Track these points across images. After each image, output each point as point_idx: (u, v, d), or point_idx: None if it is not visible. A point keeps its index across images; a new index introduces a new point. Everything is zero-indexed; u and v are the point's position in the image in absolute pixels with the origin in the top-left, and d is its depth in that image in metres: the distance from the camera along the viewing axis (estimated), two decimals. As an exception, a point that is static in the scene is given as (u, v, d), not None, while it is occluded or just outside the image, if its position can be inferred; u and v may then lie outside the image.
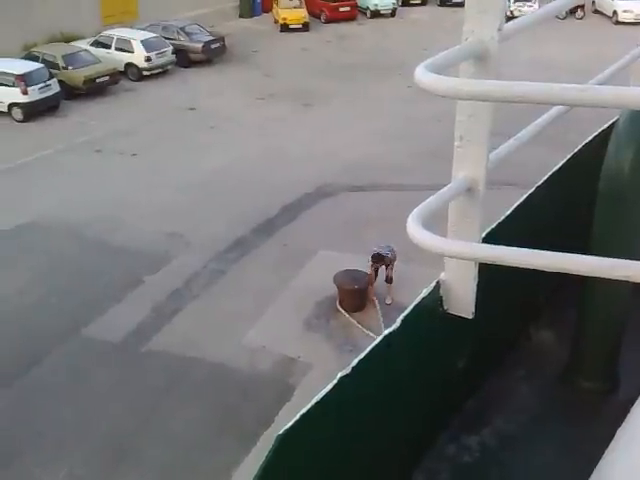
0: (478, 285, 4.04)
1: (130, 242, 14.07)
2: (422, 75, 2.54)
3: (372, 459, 4.41)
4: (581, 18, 31.43)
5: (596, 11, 32.30)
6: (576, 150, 5.74)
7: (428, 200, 3.15)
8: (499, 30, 3.23)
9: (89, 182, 17.07)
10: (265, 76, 25.16)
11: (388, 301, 12.12)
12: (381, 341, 3.90)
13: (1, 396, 9.81)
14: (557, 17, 31.62)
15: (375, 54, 27.53)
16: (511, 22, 3.41)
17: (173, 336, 11.26)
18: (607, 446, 2.74)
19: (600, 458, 2.73)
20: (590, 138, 5.83)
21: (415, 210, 2.94)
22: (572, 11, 31.24)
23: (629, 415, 2.81)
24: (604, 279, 2.63)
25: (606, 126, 5.58)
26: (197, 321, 11.69)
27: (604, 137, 5.05)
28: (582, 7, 31.35)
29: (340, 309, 11.92)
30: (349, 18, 32.59)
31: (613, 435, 2.75)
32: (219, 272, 13.19)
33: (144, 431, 9.24)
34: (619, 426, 2.75)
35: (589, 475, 2.75)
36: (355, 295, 12.10)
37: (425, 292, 4.13)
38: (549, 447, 4.79)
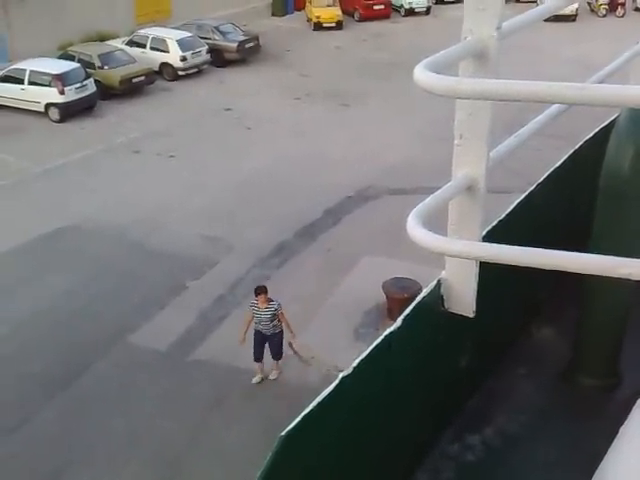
0: (479, 284, 4.02)
1: (171, 246, 13.92)
2: (421, 74, 2.49)
3: (375, 459, 4.35)
4: (622, 16, 30.74)
5: (637, 9, 31.56)
6: (576, 147, 5.73)
7: (428, 199, 3.11)
8: (498, 28, 3.20)
9: (128, 184, 16.96)
10: (300, 75, 24.91)
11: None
12: (382, 341, 3.89)
13: (51, 405, 9.68)
14: (597, 15, 31.03)
15: (410, 52, 26.99)
16: (510, 20, 3.37)
17: (219, 345, 11.06)
18: (610, 443, 2.71)
19: (603, 455, 2.70)
20: (590, 135, 5.81)
21: (415, 209, 2.91)
22: (612, 9, 30.60)
23: (632, 412, 2.77)
24: (605, 277, 2.58)
25: (606, 123, 5.56)
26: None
27: (604, 135, 4.98)
28: (623, 5, 30.70)
29: (389, 318, 11.64)
30: (383, 16, 32.20)
31: (616, 432, 2.71)
32: (263, 278, 12.94)
33: (194, 445, 9.05)
34: (622, 423, 2.72)
35: (593, 471, 2.72)
36: (405, 304, 11.74)
37: (426, 291, 4.13)
38: (552, 444, 4.77)
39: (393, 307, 12.12)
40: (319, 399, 3.52)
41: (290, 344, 10.26)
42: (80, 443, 8.96)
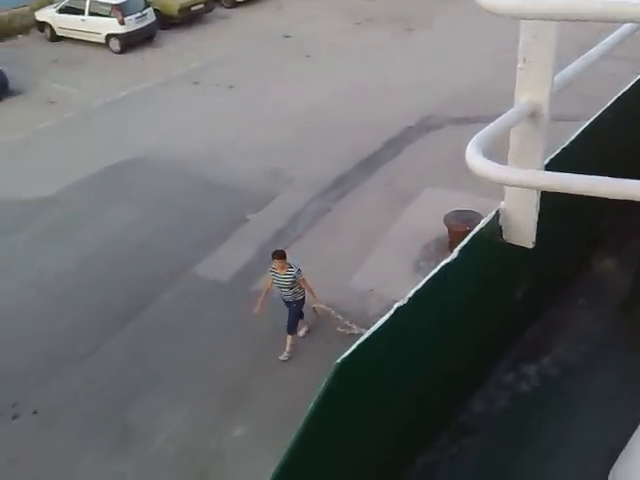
0: (539, 214, 3.94)
1: (232, 179, 13.96)
2: None
3: (428, 386, 4.39)
4: None
5: None
6: None
7: (489, 127, 3.01)
8: None
9: (189, 116, 16.98)
10: (361, -2, 24.04)
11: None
12: (438, 272, 3.90)
13: (119, 335, 10.05)
14: None
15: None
16: None
17: (280, 277, 11.16)
18: None
19: None
20: None
21: (474, 137, 2.83)
22: None
23: None
24: None
25: None
26: (303, 262, 11.46)
27: None
28: None
29: (450, 252, 11.45)
30: None
31: None
32: (322, 211, 12.91)
33: (256, 374, 9.26)
34: None
35: None
36: (466, 237, 11.55)
37: (484, 222, 4.10)
38: (609, 376, 4.75)
39: (454, 240, 11.88)
40: (374, 328, 3.58)
41: (314, 309, 9.71)
42: (147, 371, 9.31)
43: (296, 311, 9.33)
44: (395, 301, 3.74)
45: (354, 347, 3.50)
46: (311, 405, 3.48)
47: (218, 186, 13.81)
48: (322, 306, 9.51)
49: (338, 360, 3.41)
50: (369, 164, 14.26)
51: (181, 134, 16.03)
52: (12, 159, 15.71)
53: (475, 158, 2.68)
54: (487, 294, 4.63)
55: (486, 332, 4.79)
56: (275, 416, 8.24)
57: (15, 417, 8.62)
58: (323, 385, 3.42)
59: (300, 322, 9.71)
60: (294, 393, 8.63)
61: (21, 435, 8.35)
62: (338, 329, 9.33)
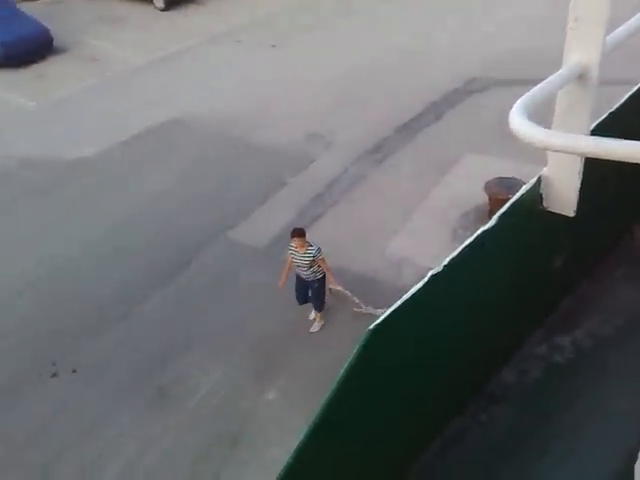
0: (582, 181, 3.84)
1: (272, 142, 13.93)
2: None
3: (459, 356, 4.36)
4: None
5: None
6: None
7: (534, 89, 2.91)
8: None
9: (231, 76, 16.91)
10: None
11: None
12: (475, 239, 3.83)
13: (157, 295, 10.24)
14: None
15: None
16: None
17: (316, 243, 11.15)
18: None
19: None
20: None
21: (519, 100, 2.74)
22: None
23: None
24: None
25: None
26: (339, 228, 11.50)
27: None
28: None
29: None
30: None
31: None
32: (360, 176, 12.81)
33: (291, 338, 9.35)
34: None
35: None
36: (507, 206, 11.35)
37: (524, 189, 4.01)
38: None
39: (494, 208, 11.63)
40: (407, 296, 3.57)
41: (330, 290, 9.44)
42: (183, 331, 9.49)
43: (318, 291, 9.14)
44: (430, 269, 3.73)
45: (386, 314, 3.50)
46: (342, 371, 3.52)
47: (257, 149, 13.80)
48: (339, 288, 9.28)
49: (370, 327, 3.42)
50: (409, 129, 14.03)
51: (222, 94, 16.00)
52: (55, 117, 15.93)
53: (519, 122, 2.62)
54: (524, 263, 4.58)
55: (521, 302, 4.76)
56: (307, 381, 8.35)
57: (54, 375, 8.90)
58: (354, 351, 3.45)
59: (317, 315, 9.44)
60: (326, 360, 8.72)
61: (59, 394, 8.62)
62: (355, 309, 9.33)
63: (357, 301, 9.38)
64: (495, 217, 3.94)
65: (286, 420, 7.85)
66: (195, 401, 8.35)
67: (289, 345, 9.23)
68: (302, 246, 8.66)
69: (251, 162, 13.42)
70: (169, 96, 16.22)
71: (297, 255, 8.78)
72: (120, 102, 16.19)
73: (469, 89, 15.19)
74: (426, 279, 3.65)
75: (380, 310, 8.93)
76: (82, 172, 13.62)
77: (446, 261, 3.73)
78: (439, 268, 3.69)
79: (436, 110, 14.56)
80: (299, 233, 8.67)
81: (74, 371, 8.97)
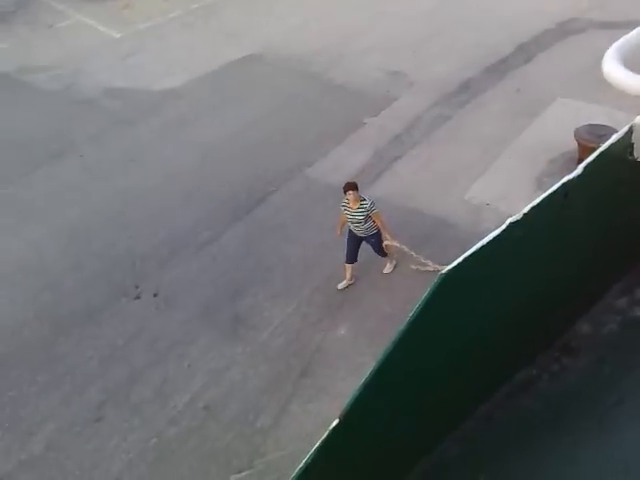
0: None
1: (352, 79, 13.69)
2: None
3: (533, 305, 4.23)
4: None
5: None
6: None
7: (631, 33, 2.80)
8: None
9: (311, 10, 16.61)
10: None
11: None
12: (558, 189, 3.66)
13: (235, 228, 10.40)
14: None
15: None
16: None
17: (394, 184, 11.03)
18: None
19: None
20: None
21: (614, 44, 2.68)
22: None
23: None
24: None
25: None
26: (418, 170, 11.29)
27: None
28: None
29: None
30: None
31: None
32: (443, 117, 12.45)
33: (362, 275, 9.35)
34: None
35: None
36: (597, 154, 10.82)
37: (614, 138, 3.83)
38: None
39: (584, 156, 11.09)
40: (482, 242, 3.45)
41: (386, 246, 8.89)
42: (259, 265, 9.64)
43: (376, 245, 8.83)
44: (511, 217, 3.60)
45: (460, 260, 3.39)
46: (411, 313, 3.47)
47: (337, 86, 13.60)
48: (395, 243, 8.73)
49: (442, 271, 3.33)
50: (498, 69, 13.48)
51: (304, 30, 15.77)
52: (140, 48, 16.14)
53: (612, 67, 2.49)
54: (608, 215, 4.39)
55: (602, 254, 4.57)
56: (378, 320, 8.37)
57: (137, 297, 9.27)
58: (425, 295, 3.39)
59: (386, 260, 9.19)
60: (398, 301, 8.70)
61: (142, 314, 8.98)
62: (412, 266, 8.72)
63: (415, 255, 8.66)
64: (581, 166, 3.76)
65: (355, 356, 7.92)
66: (267, 333, 8.53)
67: (362, 284, 9.24)
68: (356, 201, 8.35)
69: (330, 100, 13.26)
70: (249, 30, 16.13)
71: (351, 211, 8.48)
72: (203, 35, 16.22)
73: (565, 29, 14.39)
74: (504, 226, 3.52)
75: (440, 266, 8.68)
76: (167, 103, 13.82)
77: (526, 209, 3.57)
78: (518, 216, 3.55)
79: (528, 50, 13.91)
80: (352, 187, 8.31)
81: (155, 295, 9.30)
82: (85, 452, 7.23)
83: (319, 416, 7.27)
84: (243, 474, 7.05)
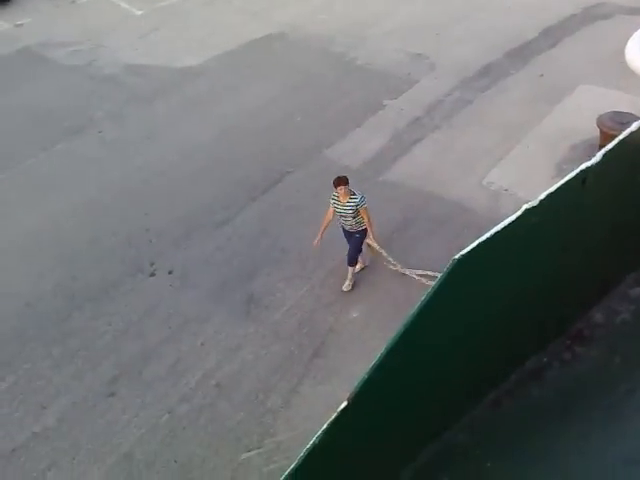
0: None
1: (373, 60, 13.57)
2: None
3: (547, 292, 4.20)
4: None
5: None
6: None
7: None
8: None
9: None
10: None
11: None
12: (576, 176, 3.64)
13: (251, 208, 10.39)
14: None
15: None
16: None
17: (411, 168, 10.94)
18: None
19: None
20: None
21: (638, 31, 2.32)
22: None
23: None
24: None
25: None
26: (437, 154, 11.19)
27: None
28: None
29: (599, 156, 10.62)
30: None
31: None
32: (464, 101, 12.31)
33: (379, 261, 9.31)
34: None
35: None
36: (620, 142, 10.64)
37: (636, 125, 3.80)
38: None
39: (605, 144, 10.93)
40: (497, 228, 3.42)
41: (368, 245, 8.86)
42: (274, 246, 9.62)
43: (357, 243, 8.68)
44: (528, 202, 3.55)
45: (474, 245, 3.37)
46: (424, 297, 3.45)
47: (358, 67, 13.49)
48: (375, 245, 8.76)
49: (456, 256, 3.31)
50: (521, 54, 13.28)
51: (328, 11, 15.62)
52: (162, 26, 16.09)
53: (636, 53, 2.39)
54: (626, 203, 4.34)
55: (617, 243, 4.53)
56: (391, 305, 8.34)
57: (152, 274, 9.31)
58: (438, 279, 3.38)
59: (349, 270, 8.89)
60: (412, 286, 8.67)
61: (157, 291, 9.02)
62: (390, 267, 8.88)
63: (392, 260, 8.90)
64: (600, 153, 3.72)
65: (367, 339, 7.91)
66: (280, 313, 8.54)
67: (376, 268, 9.21)
68: (345, 195, 8.27)
69: (351, 81, 13.15)
70: (273, 9, 16.00)
71: (339, 205, 8.38)
72: (225, 13, 16.13)
73: (592, 14, 14.11)
74: (519, 212, 3.49)
75: (418, 271, 8.70)
76: (186, 81, 13.79)
77: (543, 195, 3.54)
78: (534, 202, 3.52)
79: (552, 35, 13.68)
80: (343, 182, 8.20)
81: (170, 272, 9.34)
82: (97, 426, 7.32)
83: (330, 397, 7.27)
84: (253, 453, 7.10)
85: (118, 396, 7.64)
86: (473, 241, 3.43)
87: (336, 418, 3.57)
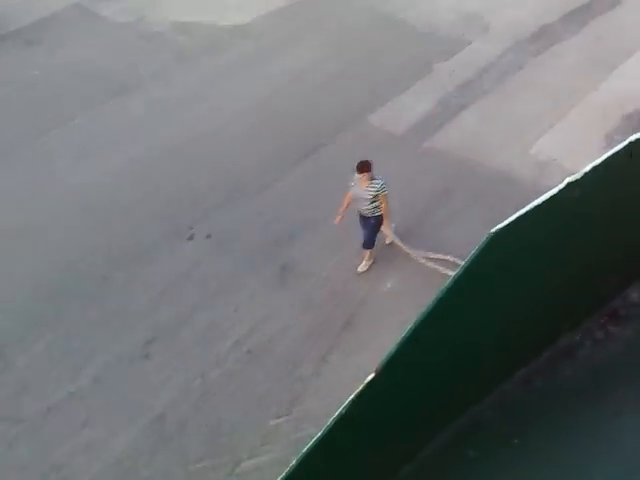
0: None
1: (424, 21, 13.15)
2: None
3: (586, 269, 4.11)
4: None
5: None
6: None
7: None
8: None
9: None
10: None
11: None
12: (623, 149, 3.56)
13: (291, 175, 10.31)
14: None
15: None
16: None
17: (457, 135, 10.65)
18: None
19: None
20: None
21: None
22: None
23: None
24: None
25: None
26: (485, 121, 10.85)
27: None
28: None
29: (655, 128, 10.12)
30: None
31: None
32: (516, 66, 11.84)
33: (415, 231, 9.18)
34: None
35: None
36: (679, 113, 10.11)
37: None
38: None
39: (663, 115, 10.49)
40: (537, 201, 3.35)
41: (381, 231, 8.66)
42: (310, 214, 9.55)
43: (373, 228, 8.46)
44: (573, 174, 3.39)
45: (512, 219, 3.31)
46: (458, 270, 3.42)
47: (408, 27, 13.10)
48: (388, 232, 8.64)
49: (492, 230, 3.27)
50: (579, 17, 12.65)
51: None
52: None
53: None
54: None
55: None
56: (423, 277, 8.24)
57: (190, 238, 9.41)
58: (473, 252, 3.33)
59: (365, 254, 8.77)
60: (450, 250, 8.50)
61: (194, 256, 9.12)
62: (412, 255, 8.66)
63: (404, 248, 8.72)
64: None
65: (399, 311, 7.82)
66: (314, 282, 8.54)
67: (410, 240, 9.05)
68: (367, 180, 8.01)
69: (400, 41, 12.79)
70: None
71: (360, 189, 8.14)
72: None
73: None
74: (561, 186, 3.40)
75: (437, 255, 8.48)
76: (234, 40, 13.66)
77: (587, 168, 3.45)
78: (577, 175, 3.42)
79: (614, -4, 12.94)
80: (366, 168, 7.92)
81: (208, 236, 9.41)
82: (131, 387, 7.53)
83: (359, 369, 7.24)
84: (281, 420, 7.21)
85: (152, 359, 7.84)
86: (513, 214, 3.33)
87: (362, 390, 3.56)
